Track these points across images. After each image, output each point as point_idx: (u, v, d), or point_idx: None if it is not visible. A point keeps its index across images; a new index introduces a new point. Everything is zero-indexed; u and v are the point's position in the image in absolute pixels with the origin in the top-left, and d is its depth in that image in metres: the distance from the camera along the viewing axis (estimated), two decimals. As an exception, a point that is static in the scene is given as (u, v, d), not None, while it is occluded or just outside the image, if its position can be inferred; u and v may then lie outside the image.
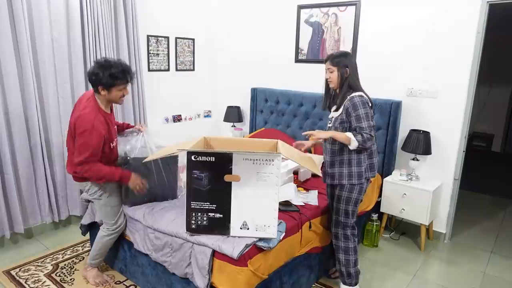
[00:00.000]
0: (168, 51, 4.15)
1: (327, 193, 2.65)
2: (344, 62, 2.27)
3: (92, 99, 2.27)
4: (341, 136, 2.19)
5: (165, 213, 2.37)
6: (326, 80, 2.37)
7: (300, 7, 3.92)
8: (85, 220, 2.76)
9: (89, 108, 2.22)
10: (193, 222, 2.08)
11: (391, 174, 3.42)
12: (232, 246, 1.98)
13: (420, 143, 3.14)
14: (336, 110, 2.31)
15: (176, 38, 4.20)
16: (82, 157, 2.19)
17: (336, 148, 2.32)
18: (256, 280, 2.03)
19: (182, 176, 2.85)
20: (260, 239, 2.07)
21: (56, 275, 2.67)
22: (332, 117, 2.36)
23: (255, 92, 4.38)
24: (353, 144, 2.17)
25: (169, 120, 4.34)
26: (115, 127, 2.46)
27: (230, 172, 1.99)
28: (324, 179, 2.45)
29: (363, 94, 2.25)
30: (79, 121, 2.19)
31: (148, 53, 3.94)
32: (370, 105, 2.25)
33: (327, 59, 2.32)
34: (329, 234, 2.60)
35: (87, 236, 2.93)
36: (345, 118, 2.25)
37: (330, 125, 2.36)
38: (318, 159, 3.39)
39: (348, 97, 2.24)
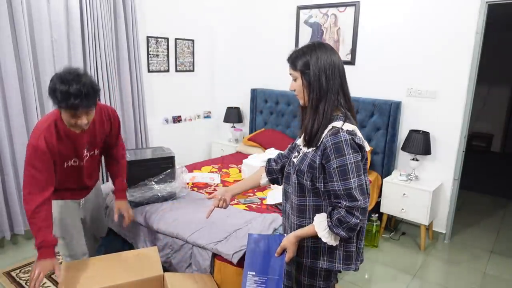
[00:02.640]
0: (168, 52, 4.15)
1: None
2: (309, 64, 1.35)
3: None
4: (308, 231, 1.39)
5: (165, 214, 2.37)
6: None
7: (300, 8, 3.93)
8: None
9: (45, 116, 1.86)
10: None
11: (390, 174, 3.43)
12: (231, 250, 1.98)
13: (419, 143, 3.14)
14: (307, 144, 1.40)
15: (176, 39, 4.20)
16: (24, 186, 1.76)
17: (308, 203, 1.44)
18: (257, 281, 2.03)
19: (185, 178, 2.87)
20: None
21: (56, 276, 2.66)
22: (300, 150, 1.46)
23: (254, 93, 4.38)
24: (325, 237, 1.34)
25: (169, 121, 4.34)
26: (82, 147, 1.92)
27: None
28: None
29: (355, 129, 1.35)
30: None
31: (148, 54, 3.94)
32: (361, 149, 1.34)
33: (288, 59, 1.44)
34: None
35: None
36: (318, 163, 1.35)
37: (296, 161, 1.45)
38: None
39: (330, 128, 1.33)
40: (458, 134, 3.17)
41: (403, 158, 3.48)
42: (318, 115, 1.35)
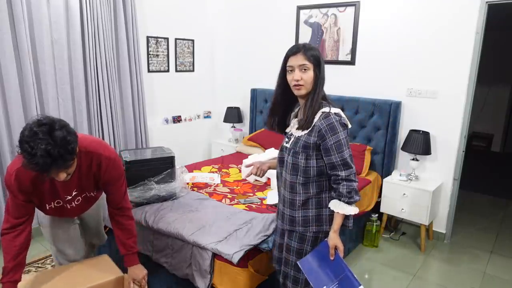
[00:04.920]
0: (168, 52, 4.15)
1: (274, 242, 1.98)
2: (320, 59, 1.61)
3: None
4: (337, 220, 1.61)
5: (165, 214, 2.37)
6: (280, 85, 1.72)
7: (300, 8, 3.93)
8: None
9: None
10: None
11: (390, 174, 3.43)
12: (231, 250, 1.98)
13: (419, 143, 3.14)
14: (301, 128, 1.63)
15: (176, 39, 4.20)
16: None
17: (298, 181, 1.67)
18: (257, 281, 2.03)
19: (185, 178, 2.87)
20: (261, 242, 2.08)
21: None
22: (292, 135, 1.70)
23: (254, 93, 4.38)
24: (351, 211, 1.59)
25: (169, 121, 4.34)
26: (67, 191, 1.74)
27: None
28: (282, 221, 1.78)
29: (340, 111, 1.61)
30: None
31: (148, 54, 3.94)
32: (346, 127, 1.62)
33: (297, 50, 1.59)
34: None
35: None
36: (312, 143, 1.59)
37: (288, 145, 1.71)
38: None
39: (321, 113, 1.59)
40: (458, 134, 3.17)
41: (403, 158, 3.48)
42: (316, 103, 1.59)
